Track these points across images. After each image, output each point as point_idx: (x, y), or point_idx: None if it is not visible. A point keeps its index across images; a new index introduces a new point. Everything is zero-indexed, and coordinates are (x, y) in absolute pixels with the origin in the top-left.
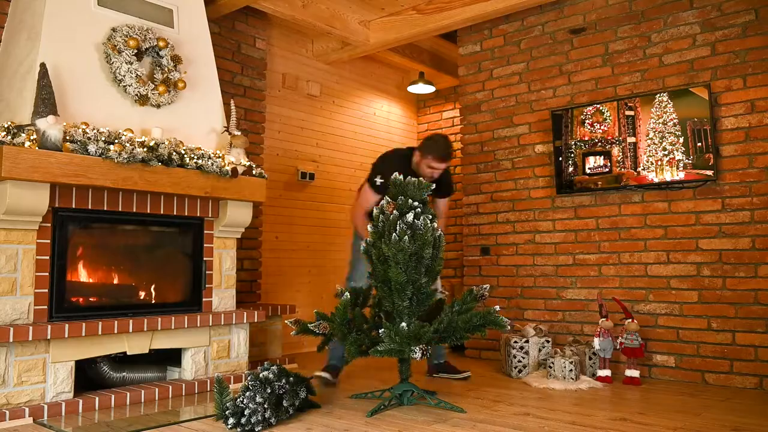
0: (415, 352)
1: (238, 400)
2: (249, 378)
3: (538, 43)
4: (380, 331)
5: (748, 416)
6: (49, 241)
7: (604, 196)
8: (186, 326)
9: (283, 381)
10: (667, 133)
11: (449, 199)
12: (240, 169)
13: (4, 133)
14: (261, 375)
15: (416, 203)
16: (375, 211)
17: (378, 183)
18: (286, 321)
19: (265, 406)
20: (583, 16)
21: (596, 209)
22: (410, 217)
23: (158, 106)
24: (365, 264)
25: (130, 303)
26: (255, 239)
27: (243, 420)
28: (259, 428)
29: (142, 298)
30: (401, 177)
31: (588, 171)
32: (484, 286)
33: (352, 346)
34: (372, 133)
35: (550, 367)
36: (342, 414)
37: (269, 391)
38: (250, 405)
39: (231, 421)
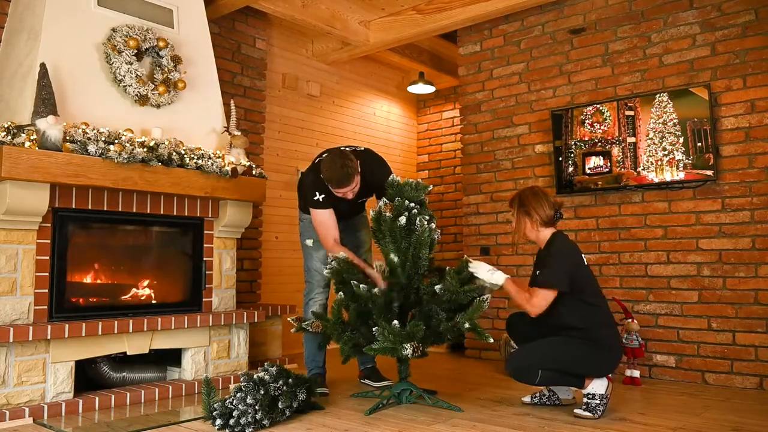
0: (406, 349)
1: (228, 401)
2: (242, 379)
3: (538, 43)
4: (374, 329)
5: (748, 416)
6: (49, 241)
7: (604, 196)
8: (186, 326)
9: (280, 382)
10: (667, 133)
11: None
12: (240, 169)
13: (4, 133)
14: (255, 376)
15: (412, 204)
16: (372, 213)
17: (320, 199)
18: (288, 318)
19: (257, 407)
20: (583, 16)
21: (596, 209)
22: (403, 220)
23: (158, 106)
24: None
25: (130, 303)
26: (255, 239)
27: (231, 421)
28: (250, 430)
29: (142, 298)
30: (398, 178)
31: (588, 171)
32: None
33: (346, 344)
34: (372, 133)
35: None
36: (342, 414)
37: (263, 392)
38: (240, 406)
39: (218, 422)
